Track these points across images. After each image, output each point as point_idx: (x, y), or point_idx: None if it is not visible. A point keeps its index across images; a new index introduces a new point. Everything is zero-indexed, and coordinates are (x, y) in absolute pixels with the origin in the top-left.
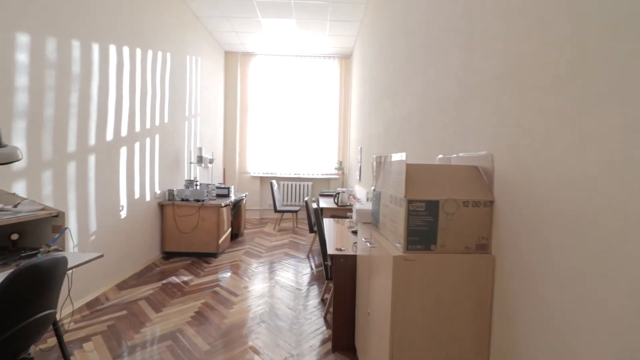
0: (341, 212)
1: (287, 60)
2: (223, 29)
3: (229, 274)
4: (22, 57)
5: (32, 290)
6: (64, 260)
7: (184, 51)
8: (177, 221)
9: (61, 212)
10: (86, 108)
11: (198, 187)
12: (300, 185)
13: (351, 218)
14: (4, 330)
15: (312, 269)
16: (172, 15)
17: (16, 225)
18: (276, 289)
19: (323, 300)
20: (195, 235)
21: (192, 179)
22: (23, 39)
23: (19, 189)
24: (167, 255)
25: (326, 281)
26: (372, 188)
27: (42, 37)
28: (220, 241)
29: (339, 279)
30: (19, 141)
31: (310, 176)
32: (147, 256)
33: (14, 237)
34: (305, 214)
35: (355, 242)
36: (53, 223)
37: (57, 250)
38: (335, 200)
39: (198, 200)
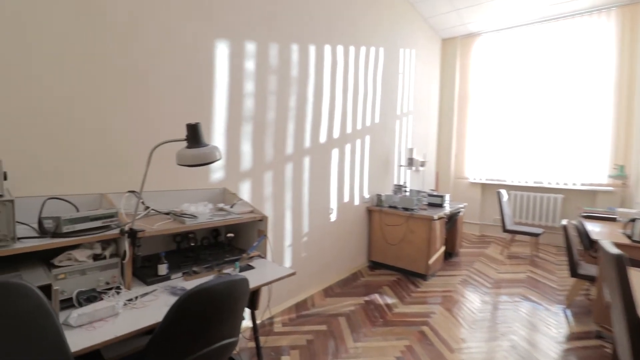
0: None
1: (524, 31)
2: (440, 11)
3: (440, 309)
4: (249, 65)
5: (203, 318)
6: (242, 283)
7: (397, 45)
8: (384, 230)
9: (265, 217)
10: (302, 111)
11: (407, 194)
12: (543, 199)
13: None
14: None
15: (574, 337)
16: (386, 7)
17: (231, 225)
18: None
19: None
20: (402, 248)
21: (401, 183)
22: (250, 47)
23: (245, 189)
24: (373, 265)
25: None
26: None
27: (266, 43)
28: (430, 261)
29: None
30: (245, 143)
31: (561, 186)
32: (354, 263)
33: (230, 235)
34: (554, 239)
35: None
36: (258, 227)
37: (259, 256)
38: (629, 233)
39: (407, 209)
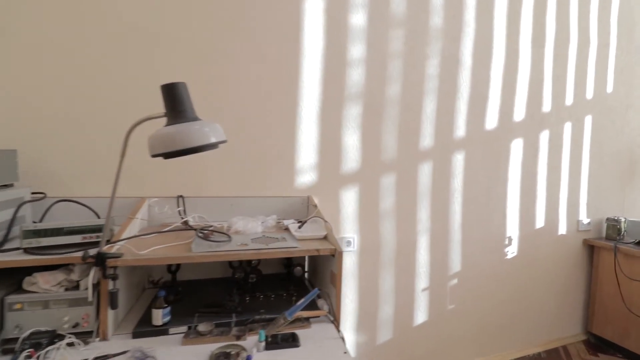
0: None
1: None
2: None
3: None
4: (357, 19)
5: None
6: None
7: None
8: (624, 286)
9: (337, 252)
10: (451, 79)
11: None
12: None
13: None
14: None
15: None
16: None
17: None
18: None
19: None
20: None
21: None
22: None
23: (348, 199)
24: (597, 343)
25: None
26: None
27: None
28: None
29: None
30: (350, 133)
31: None
32: (554, 332)
33: (297, 269)
34: None
35: None
36: (332, 267)
37: (327, 317)
38: None
39: None
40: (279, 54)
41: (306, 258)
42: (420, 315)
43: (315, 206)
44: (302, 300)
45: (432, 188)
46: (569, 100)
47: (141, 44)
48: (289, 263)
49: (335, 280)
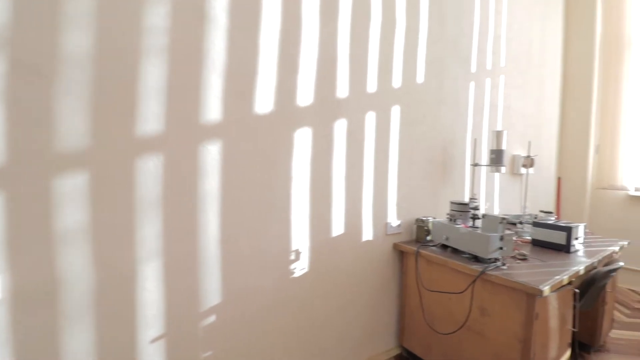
0: None
1: None
2: None
3: None
4: None
5: None
6: None
7: None
8: (422, 295)
9: None
10: (193, 39)
11: (478, 221)
12: None
13: None
14: None
15: None
16: None
17: None
18: None
19: None
20: (464, 344)
21: (465, 201)
22: None
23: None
24: (408, 357)
25: None
26: None
27: None
28: None
29: None
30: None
31: None
32: (366, 349)
33: None
34: None
35: None
36: None
37: None
38: None
39: (476, 258)
40: None
41: None
42: None
43: None
44: None
45: (164, 192)
46: (371, 87)
47: None
48: None
49: None
